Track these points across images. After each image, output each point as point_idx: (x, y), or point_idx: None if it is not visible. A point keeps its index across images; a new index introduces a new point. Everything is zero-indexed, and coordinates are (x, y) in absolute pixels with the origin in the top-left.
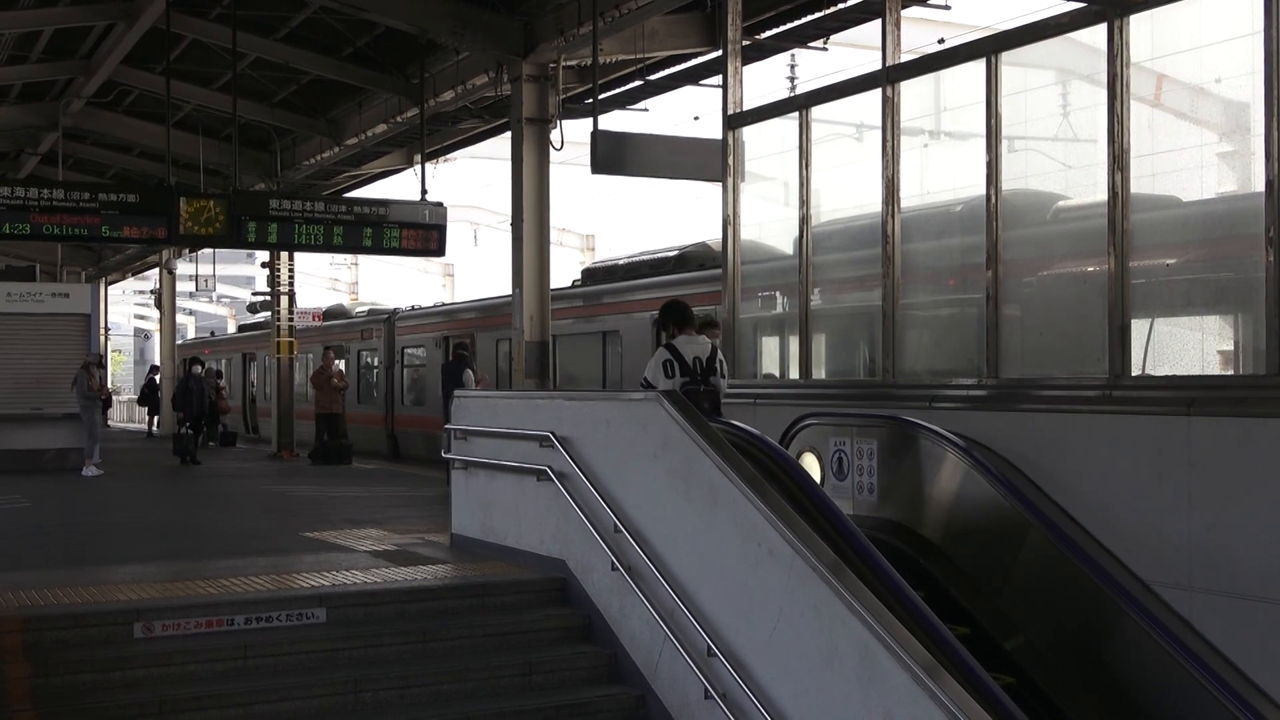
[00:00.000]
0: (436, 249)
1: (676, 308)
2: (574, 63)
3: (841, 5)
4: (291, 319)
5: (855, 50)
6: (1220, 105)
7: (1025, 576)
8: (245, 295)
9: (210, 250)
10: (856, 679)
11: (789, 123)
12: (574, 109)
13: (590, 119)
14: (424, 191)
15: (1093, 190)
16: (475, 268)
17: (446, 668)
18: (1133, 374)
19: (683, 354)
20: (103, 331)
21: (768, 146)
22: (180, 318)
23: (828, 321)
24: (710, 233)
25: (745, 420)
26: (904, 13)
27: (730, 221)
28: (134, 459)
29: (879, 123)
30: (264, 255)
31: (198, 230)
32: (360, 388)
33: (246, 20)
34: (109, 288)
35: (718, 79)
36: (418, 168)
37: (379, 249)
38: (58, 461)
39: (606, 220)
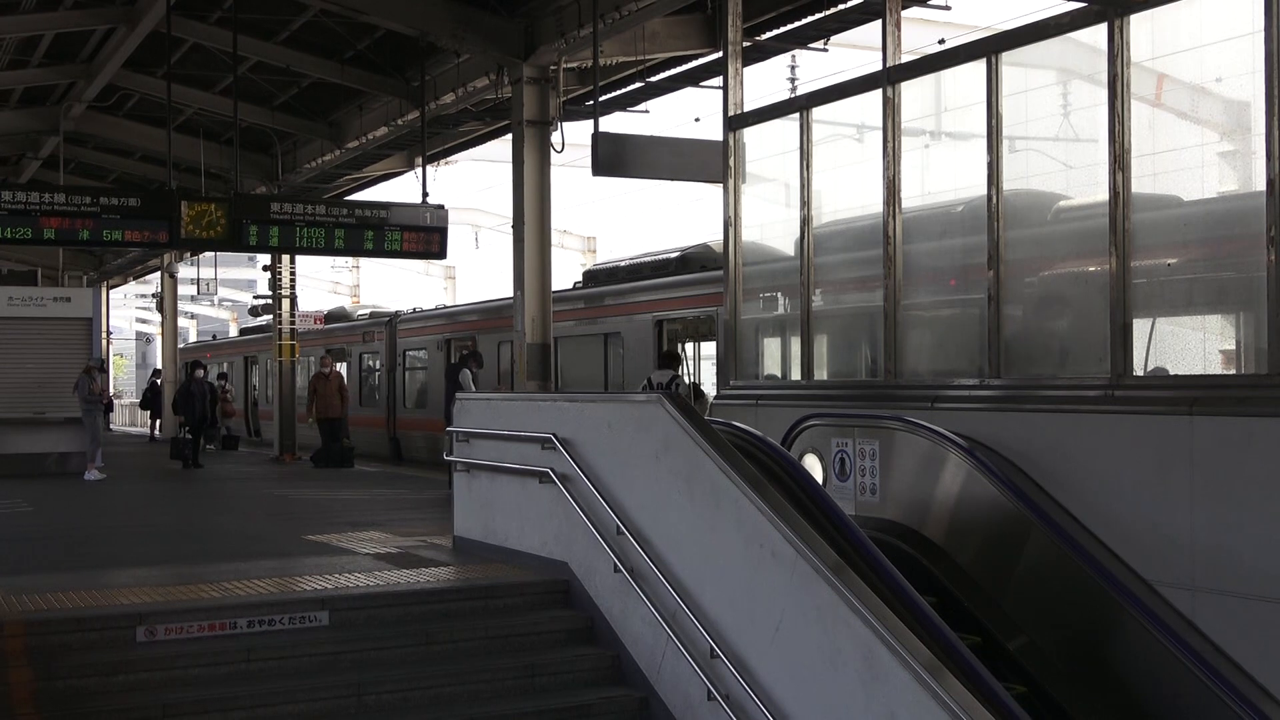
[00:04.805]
0: (438, 251)
1: (666, 356)
2: (574, 65)
3: (842, 6)
4: (293, 322)
5: (855, 51)
6: (1221, 104)
7: (1028, 577)
8: (247, 298)
9: (212, 253)
10: (859, 680)
11: (790, 124)
12: (575, 111)
13: (591, 121)
14: (425, 194)
15: (1094, 190)
16: (477, 270)
17: (449, 670)
18: (1135, 374)
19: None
20: (104, 335)
21: (769, 148)
22: (182, 321)
23: (829, 322)
24: (711, 234)
25: (747, 421)
26: (904, 13)
27: (731, 223)
28: (136, 463)
29: (880, 123)
30: (265, 258)
31: (199, 234)
32: (362, 390)
33: (247, 24)
34: (110, 291)
35: (718, 80)
36: (419, 170)
37: (380, 252)
38: (60, 465)
39: (608, 222)
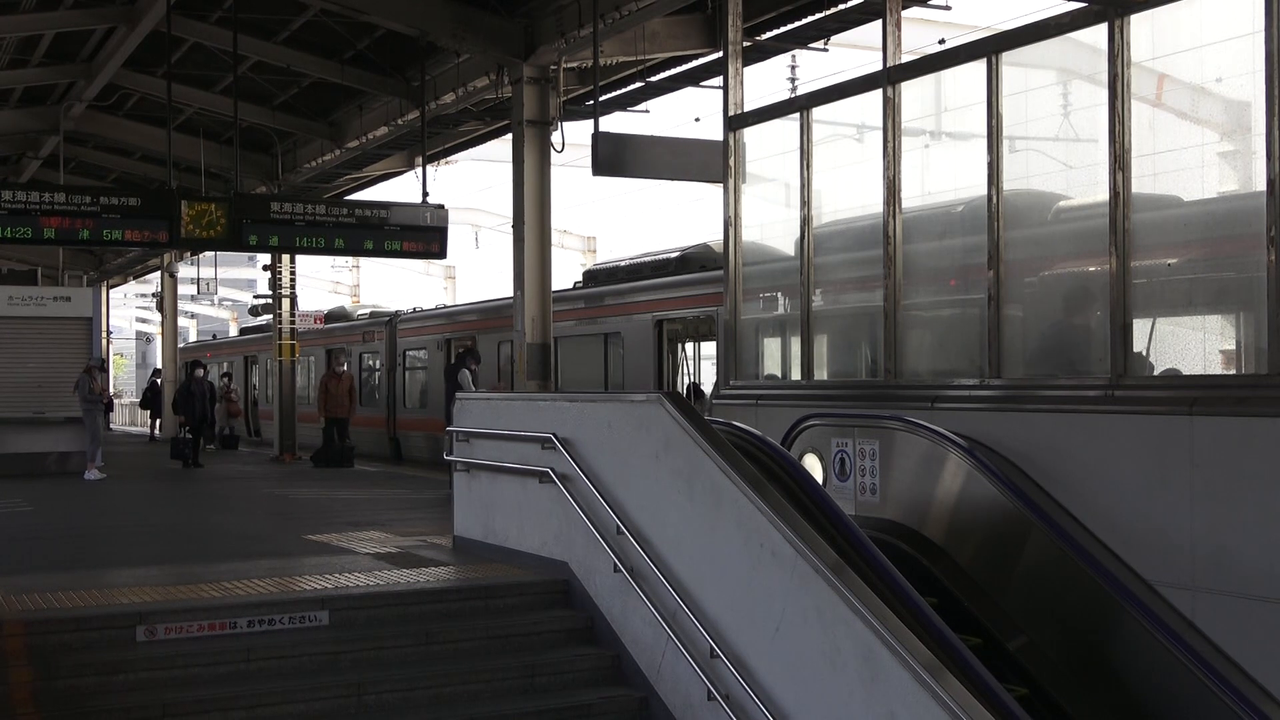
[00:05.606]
0: (438, 251)
1: None
2: (575, 64)
3: (842, 6)
4: (293, 322)
5: (856, 51)
6: (1221, 104)
7: (1028, 577)
8: (247, 298)
9: (212, 253)
10: (859, 680)
11: (790, 124)
12: (575, 111)
13: (591, 121)
14: (425, 194)
15: (1094, 190)
16: (477, 270)
17: (449, 670)
18: (1135, 373)
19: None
20: (105, 335)
21: (769, 148)
22: (182, 321)
23: (829, 322)
24: (712, 234)
25: (747, 421)
26: (904, 13)
27: (732, 223)
28: (136, 462)
29: (880, 123)
30: (265, 258)
31: (199, 233)
32: (362, 390)
33: (247, 23)
34: (110, 291)
35: (718, 80)
36: (419, 170)
37: (380, 252)
38: (60, 465)
39: (608, 222)
